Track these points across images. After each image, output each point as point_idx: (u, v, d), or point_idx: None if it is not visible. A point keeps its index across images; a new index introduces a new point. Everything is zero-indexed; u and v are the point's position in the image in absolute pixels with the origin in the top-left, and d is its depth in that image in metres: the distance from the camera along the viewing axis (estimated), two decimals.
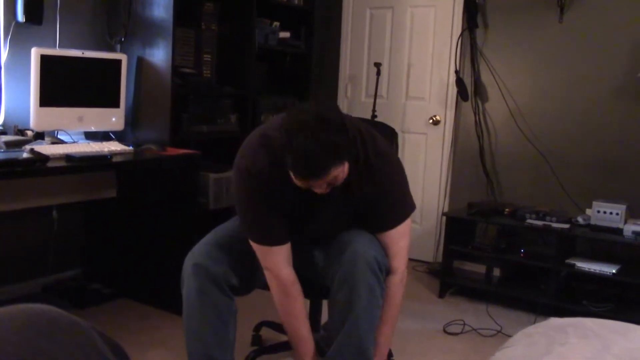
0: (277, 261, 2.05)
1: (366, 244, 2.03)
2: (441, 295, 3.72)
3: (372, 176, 2.00)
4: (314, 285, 2.23)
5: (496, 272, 3.85)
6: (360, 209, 2.07)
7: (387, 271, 2.08)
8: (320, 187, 1.84)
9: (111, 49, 3.37)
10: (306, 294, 2.30)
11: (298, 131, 1.72)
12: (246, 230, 2.05)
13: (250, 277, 2.14)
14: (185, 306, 2.10)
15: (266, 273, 2.09)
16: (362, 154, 1.97)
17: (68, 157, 2.61)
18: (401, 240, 2.11)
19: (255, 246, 2.05)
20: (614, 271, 3.21)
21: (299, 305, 2.11)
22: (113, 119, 3.21)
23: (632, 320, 1.82)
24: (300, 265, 2.15)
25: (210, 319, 2.06)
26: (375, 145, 2.01)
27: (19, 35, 3.01)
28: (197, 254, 2.09)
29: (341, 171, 1.82)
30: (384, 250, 2.09)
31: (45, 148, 2.66)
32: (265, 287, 2.14)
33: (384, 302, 2.09)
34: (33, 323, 0.70)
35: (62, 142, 2.97)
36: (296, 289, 2.10)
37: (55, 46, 3.16)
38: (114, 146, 2.92)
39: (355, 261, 1.99)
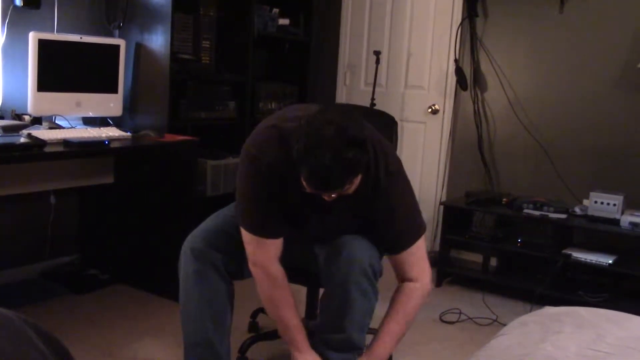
0: (268, 256, 2.01)
1: (363, 248, 2.02)
2: (438, 284, 3.73)
3: (380, 194, 1.97)
4: (311, 273, 2.23)
5: (493, 261, 3.86)
6: (367, 224, 2.04)
7: (381, 275, 2.07)
8: (328, 196, 1.82)
9: (109, 34, 3.36)
10: (303, 282, 2.31)
11: (318, 145, 1.66)
12: (244, 219, 2.01)
13: (247, 263, 2.13)
14: (182, 290, 2.10)
15: (253, 269, 2.04)
16: (373, 170, 1.94)
17: (65, 142, 2.61)
18: (416, 254, 2.08)
19: (248, 237, 2.00)
20: (610, 262, 3.22)
21: (290, 298, 2.08)
22: (111, 104, 3.20)
23: (627, 310, 1.82)
24: (300, 256, 2.15)
25: (208, 302, 2.06)
26: (387, 164, 1.98)
27: (16, 20, 2.99)
28: (196, 238, 2.09)
29: (354, 184, 1.79)
30: (400, 267, 2.08)
31: (42, 133, 2.65)
32: None
33: (396, 302, 2.09)
34: None
35: (59, 127, 2.96)
36: (285, 282, 2.06)
37: (53, 31, 3.15)
38: (111, 132, 2.91)
39: (351, 265, 1.97)
